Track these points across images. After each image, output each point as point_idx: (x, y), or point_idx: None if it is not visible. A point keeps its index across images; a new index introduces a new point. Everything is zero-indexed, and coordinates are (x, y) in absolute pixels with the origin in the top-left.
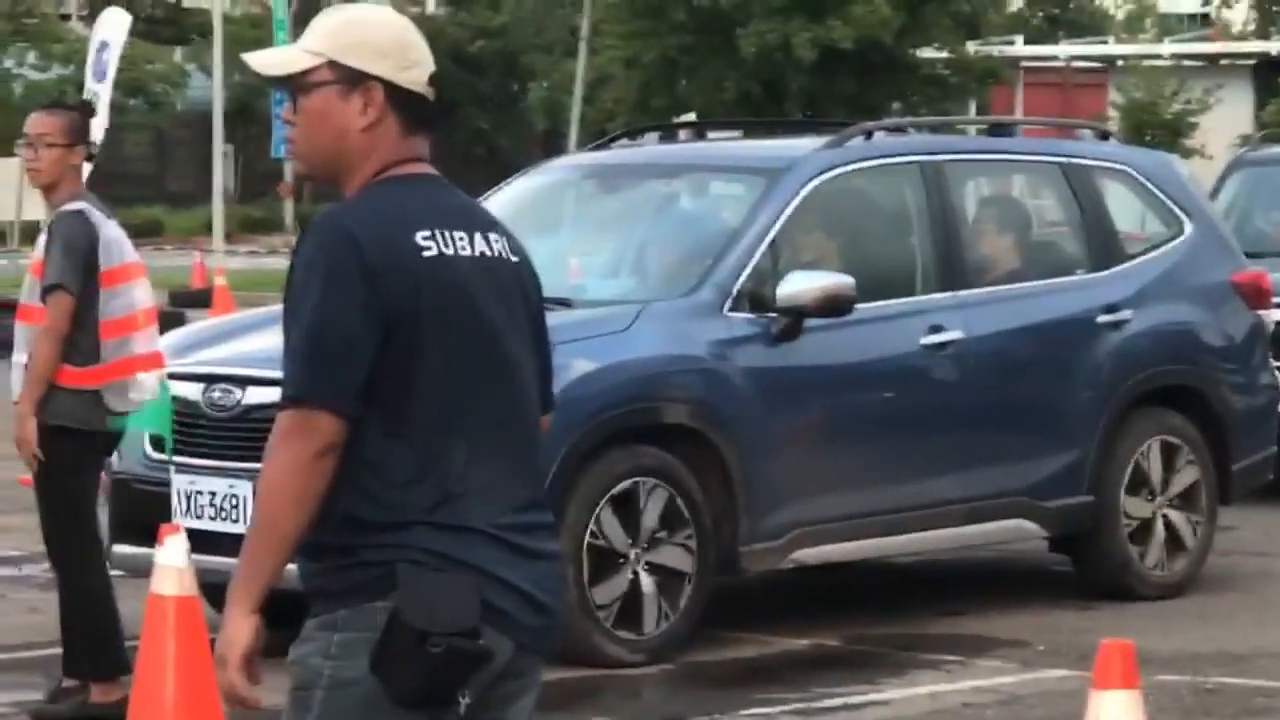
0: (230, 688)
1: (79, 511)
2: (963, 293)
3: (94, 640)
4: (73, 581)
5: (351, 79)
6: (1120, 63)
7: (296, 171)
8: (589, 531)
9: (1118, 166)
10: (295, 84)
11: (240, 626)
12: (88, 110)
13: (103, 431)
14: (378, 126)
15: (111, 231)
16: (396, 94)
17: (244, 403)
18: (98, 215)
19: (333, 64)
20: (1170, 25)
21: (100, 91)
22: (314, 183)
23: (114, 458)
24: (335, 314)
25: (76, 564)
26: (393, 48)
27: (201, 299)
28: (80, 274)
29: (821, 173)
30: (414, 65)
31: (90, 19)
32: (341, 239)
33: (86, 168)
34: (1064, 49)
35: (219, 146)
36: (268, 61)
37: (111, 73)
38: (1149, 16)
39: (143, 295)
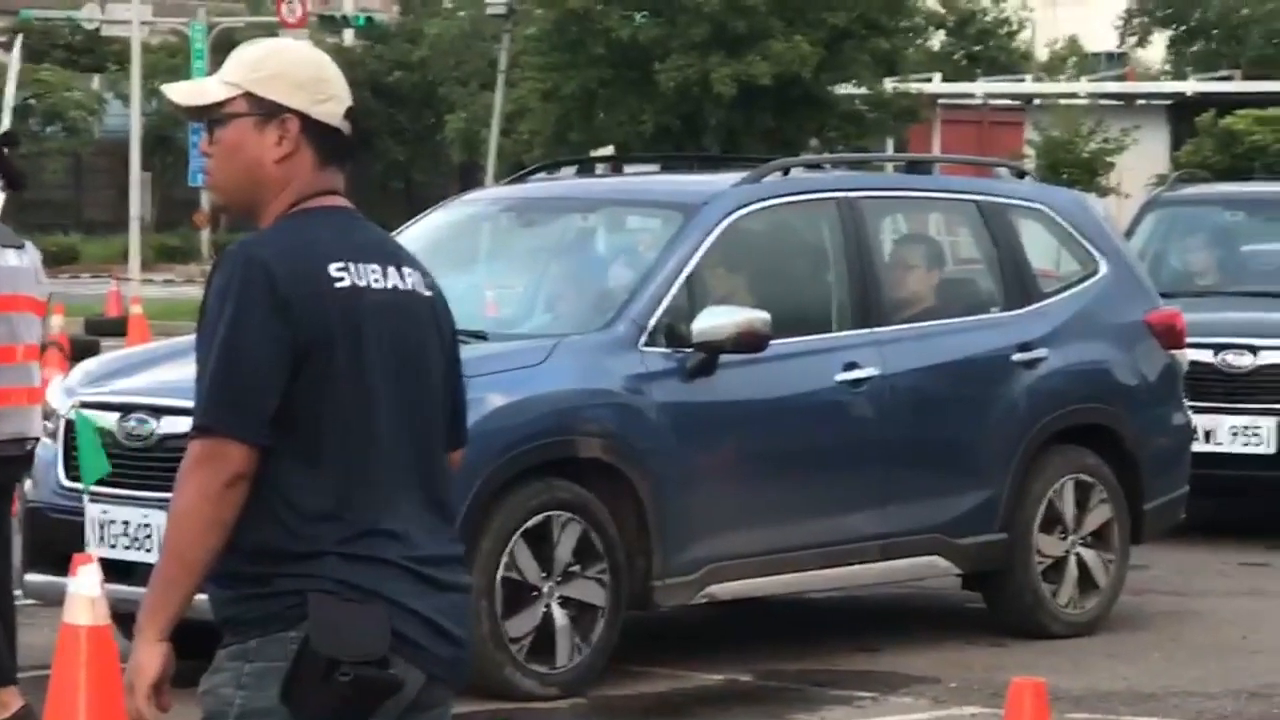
0: (138, 715)
1: None
2: (878, 329)
3: None
4: None
5: (267, 111)
6: (1037, 101)
7: (213, 203)
8: (502, 564)
9: (1034, 205)
10: (212, 115)
11: (149, 654)
12: (3, 142)
13: None
14: (292, 159)
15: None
16: (312, 127)
17: (159, 432)
18: None
19: (249, 96)
20: (1088, 64)
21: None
22: (230, 214)
23: (28, 486)
24: (246, 345)
25: None
26: (309, 81)
27: (117, 327)
28: None
29: (738, 208)
30: (330, 99)
31: (9, 46)
32: (254, 269)
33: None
34: (981, 86)
35: (136, 175)
36: (185, 92)
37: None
38: (1074, 55)
39: (25, 329)
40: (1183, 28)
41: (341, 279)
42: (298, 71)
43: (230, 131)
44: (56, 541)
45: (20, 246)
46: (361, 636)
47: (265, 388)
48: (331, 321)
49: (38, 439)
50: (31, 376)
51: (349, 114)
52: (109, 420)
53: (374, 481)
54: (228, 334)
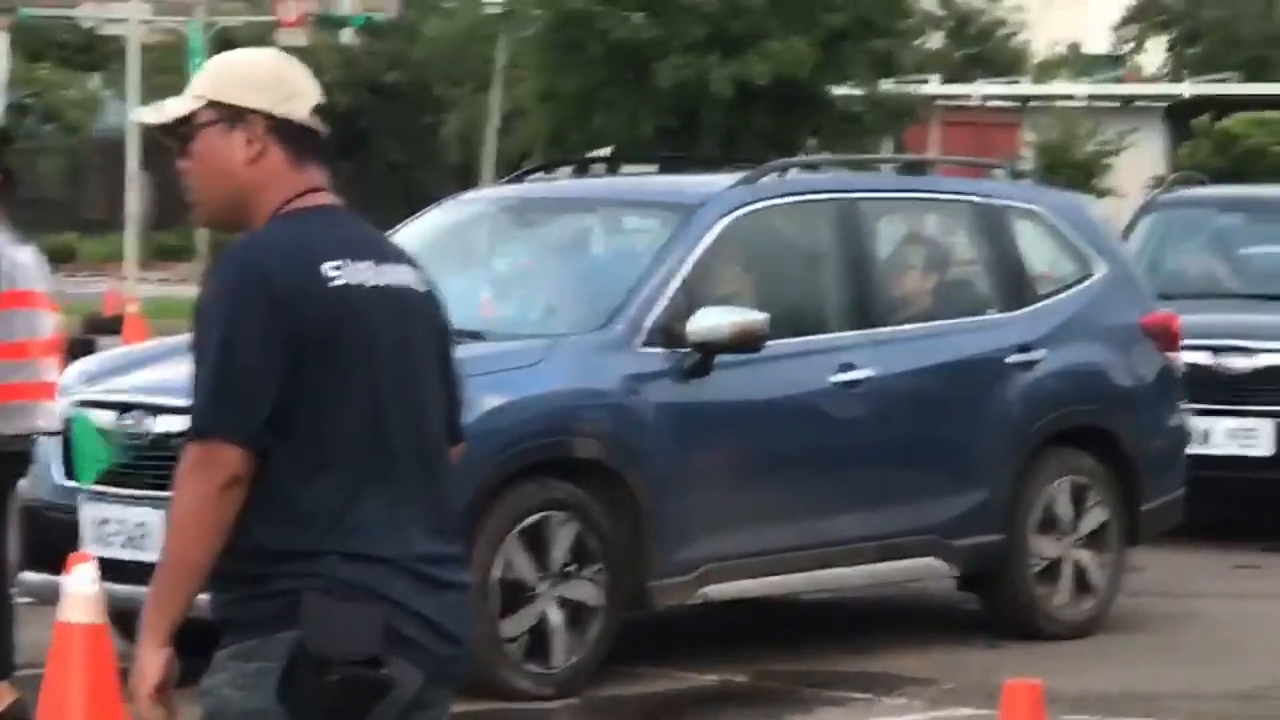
0: None
1: None
2: (875, 331)
3: None
4: None
5: (231, 116)
6: (1034, 103)
7: (200, 223)
8: (498, 564)
9: (1030, 206)
10: (181, 130)
11: (151, 659)
12: (2, 138)
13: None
14: (263, 160)
15: (15, 256)
16: (280, 126)
17: (155, 431)
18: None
19: (214, 104)
20: (1084, 66)
21: None
22: (216, 227)
23: (24, 484)
24: (240, 347)
25: None
26: (269, 81)
27: (113, 326)
28: None
29: (735, 209)
30: (294, 96)
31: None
32: (248, 270)
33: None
34: (978, 88)
35: (133, 173)
36: (153, 112)
37: None
38: (1075, 60)
39: (44, 324)
40: (1178, 32)
41: (336, 277)
42: (257, 73)
43: (200, 142)
44: (53, 540)
45: (24, 244)
46: (352, 636)
47: (261, 390)
48: (328, 320)
49: (48, 433)
50: (43, 372)
51: (320, 110)
52: (106, 419)
53: (372, 480)
54: (223, 336)
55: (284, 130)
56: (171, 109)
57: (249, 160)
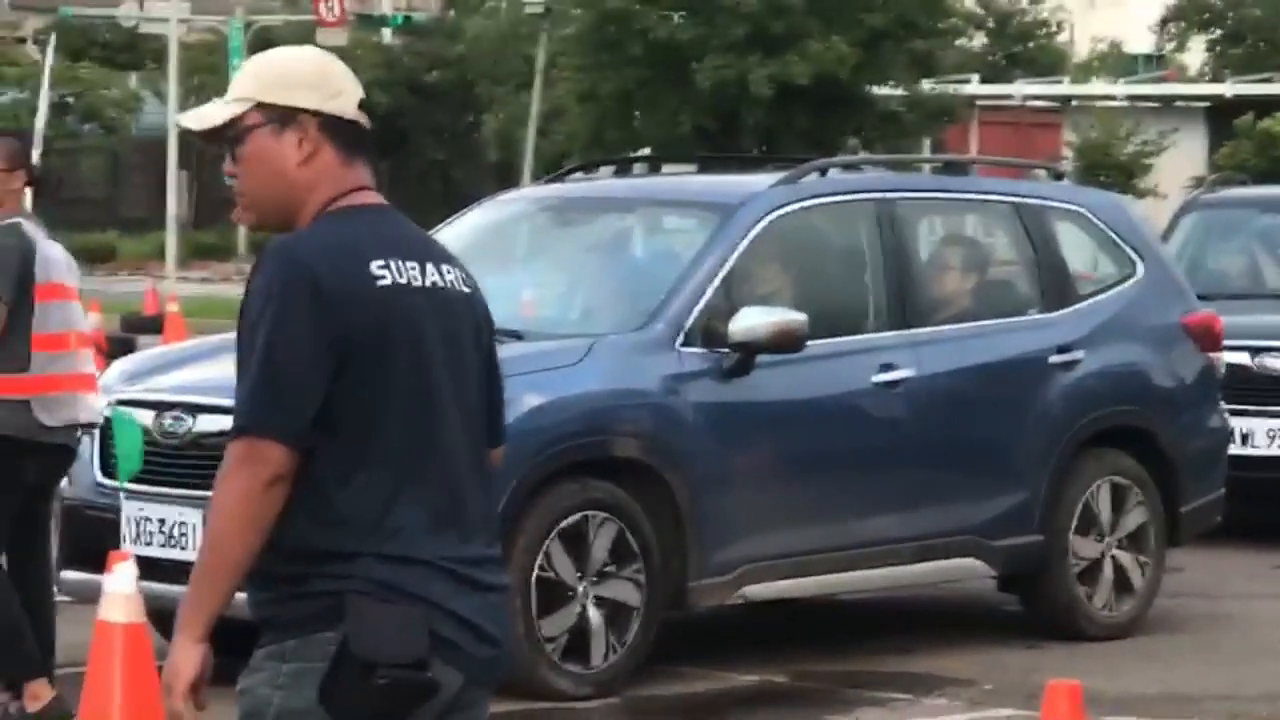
0: (176, 715)
1: None
2: (915, 331)
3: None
4: None
5: (281, 117)
6: (1075, 103)
7: (248, 225)
8: (537, 564)
9: (1071, 207)
10: (229, 134)
11: (187, 654)
12: (29, 138)
13: (43, 443)
14: (315, 159)
15: (48, 250)
16: (329, 123)
17: (195, 430)
18: (34, 230)
19: (261, 105)
20: (1125, 66)
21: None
22: (267, 229)
23: (65, 483)
24: (287, 345)
25: None
26: (316, 79)
27: (153, 325)
28: (13, 284)
29: (775, 209)
30: (340, 93)
31: (44, 44)
32: (296, 269)
33: (29, 192)
34: (1019, 88)
35: (173, 172)
36: (198, 118)
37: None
38: (1111, 58)
39: (80, 317)
40: (1220, 31)
41: (383, 277)
42: (304, 72)
43: (250, 146)
44: (93, 539)
45: (53, 241)
46: (399, 639)
47: (307, 389)
48: (374, 320)
49: (90, 425)
50: (80, 364)
51: (364, 105)
52: (145, 418)
53: (416, 481)
54: (269, 334)
55: (334, 128)
56: (215, 114)
57: (302, 160)
